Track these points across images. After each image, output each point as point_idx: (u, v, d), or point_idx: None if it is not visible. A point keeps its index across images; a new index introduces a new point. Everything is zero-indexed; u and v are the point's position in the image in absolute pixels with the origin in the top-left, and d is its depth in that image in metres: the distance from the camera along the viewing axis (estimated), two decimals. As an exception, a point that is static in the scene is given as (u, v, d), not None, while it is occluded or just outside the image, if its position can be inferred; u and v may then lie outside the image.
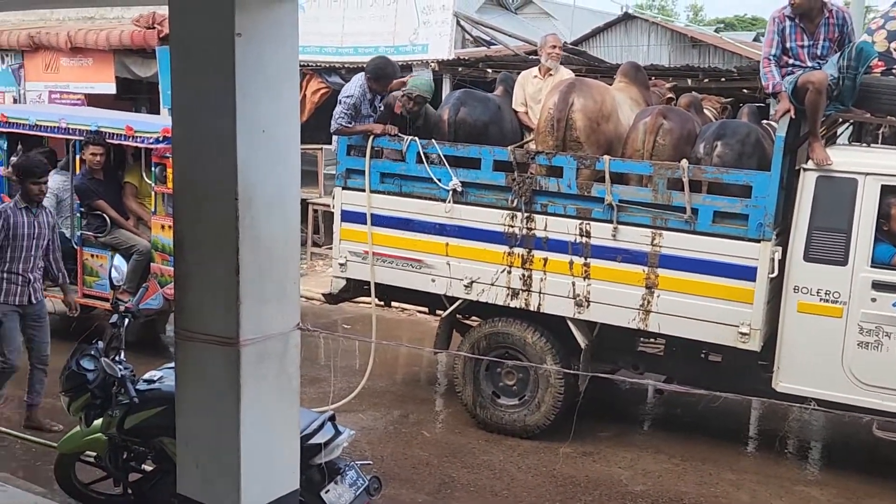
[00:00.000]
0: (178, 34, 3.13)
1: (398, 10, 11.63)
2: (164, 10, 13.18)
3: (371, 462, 5.11)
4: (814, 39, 5.63)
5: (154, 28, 12.47)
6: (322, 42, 12.35)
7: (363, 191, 6.73)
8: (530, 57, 11.77)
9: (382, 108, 6.86)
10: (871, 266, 5.35)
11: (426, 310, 7.65)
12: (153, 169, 7.57)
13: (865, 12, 7.88)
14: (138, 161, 7.98)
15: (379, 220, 6.67)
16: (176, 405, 3.22)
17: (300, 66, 11.48)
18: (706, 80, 9.58)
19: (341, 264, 6.90)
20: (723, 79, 9.64)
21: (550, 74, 7.04)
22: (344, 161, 6.86)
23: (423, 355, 8.46)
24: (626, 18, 15.95)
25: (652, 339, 6.71)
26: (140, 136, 7.52)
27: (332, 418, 4.13)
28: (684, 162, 5.67)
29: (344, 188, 6.85)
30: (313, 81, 12.38)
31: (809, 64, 5.61)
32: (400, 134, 6.56)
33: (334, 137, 7.02)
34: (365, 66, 7.03)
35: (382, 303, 7.36)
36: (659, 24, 16.07)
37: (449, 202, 6.37)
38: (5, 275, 5.82)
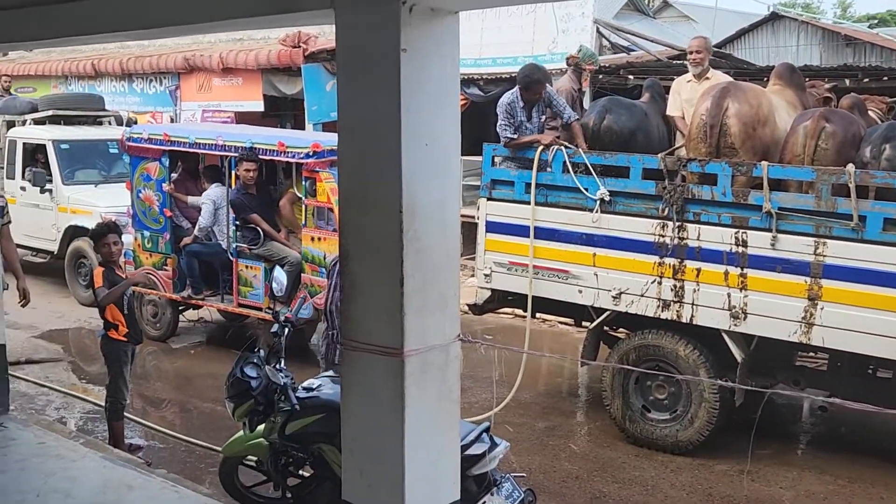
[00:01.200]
0: (344, 50, 3.21)
1: (536, 19, 11.60)
2: (308, 30, 13.70)
3: (525, 475, 5.07)
4: None
5: (299, 47, 12.99)
6: (461, 54, 12.45)
7: (509, 201, 6.74)
8: (673, 62, 11.49)
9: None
10: None
11: (570, 321, 7.56)
12: (304, 183, 7.83)
13: None
14: (290, 178, 8.29)
15: (524, 231, 6.64)
16: (342, 414, 3.29)
17: None
18: (866, 80, 9.05)
19: (486, 275, 6.91)
20: (885, 77, 9.08)
21: (707, 78, 6.83)
22: (489, 172, 6.88)
23: (564, 367, 8.35)
24: (773, 18, 15.28)
25: (812, 353, 6.38)
26: (291, 152, 7.81)
27: (487, 430, 4.12)
28: (850, 166, 5.36)
29: (489, 199, 6.86)
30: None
31: None
32: (568, 145, 6.48)
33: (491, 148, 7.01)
34: (506, 78, 7.06)
35: (525, 314, 7.31)
36: (809, 23, 15.32)
37: (596, 212, 6.27)
38: None
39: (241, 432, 4.70)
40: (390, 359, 3.17)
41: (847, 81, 9.06)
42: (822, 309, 5.48)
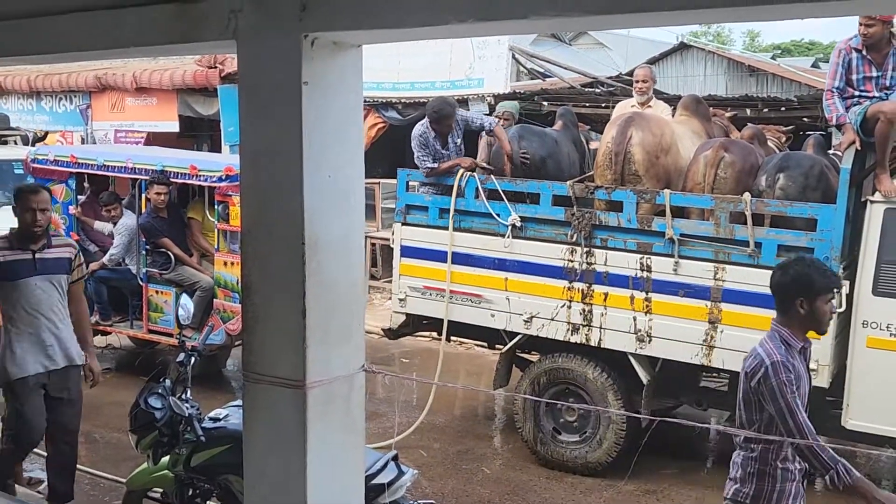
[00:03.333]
0: (246, 81, 3.19)
1: (453, 44, 11.73)
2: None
3: (435, 501, 5.09)
4: (882, 70, 5.53)
5: (216, 67, 12.83)
6: (379, 78, 12.53)
7: (423, 226, 6.80)
8: (586, 89, 11.78)
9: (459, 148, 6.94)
10: (945, 300, 5.20)
11: (485, 344, 7.64)
12: (216, 207, 7.73)
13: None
14: (202, 198, 8.17)
15: (438, 256, 6.70)
16: (244, 446, 3.25)
17: None
18: (766, 110, 9.45)
19: (401, 299, 6.94)
20: (783, 108, 9.50)
21: (650, 107, 7.08)
22: (403, 197, 6.93)
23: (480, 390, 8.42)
24: (682, 48, 15.85)
25: (715, 375, 6.60)
26: (204, 175, 7.70)
27: (395, 458, 4.13)
28: (747, 195, 5.60)
29: (403, 224, 6.91)
30: (370, 116, 12.55)
31: (876, 94, 5.51)
32: (486, 166, 6.60)
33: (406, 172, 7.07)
34: (424, 102, 7.12)
35: (441, 337, 7.36)
36: (715, 53, 15.93)
37: (508, 237, 6.38)
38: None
39: (146, 464, 4.59)
40: (293, 391, 3.14)
41: (748, 111, 9.44)
42: (721, 332, 5.69)
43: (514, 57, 12.14)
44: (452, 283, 6.63)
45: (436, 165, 6.73)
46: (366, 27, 3.06)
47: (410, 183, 6.95)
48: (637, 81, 7.51)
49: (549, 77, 13.29)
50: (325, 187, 3.14)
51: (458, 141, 6.99)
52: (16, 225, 5.02)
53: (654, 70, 7.92)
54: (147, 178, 7.91)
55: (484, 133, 7.03)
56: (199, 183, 7.84)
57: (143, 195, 8.05)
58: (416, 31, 3.13)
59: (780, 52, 32.19)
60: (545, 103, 10.98)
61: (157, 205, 7.85)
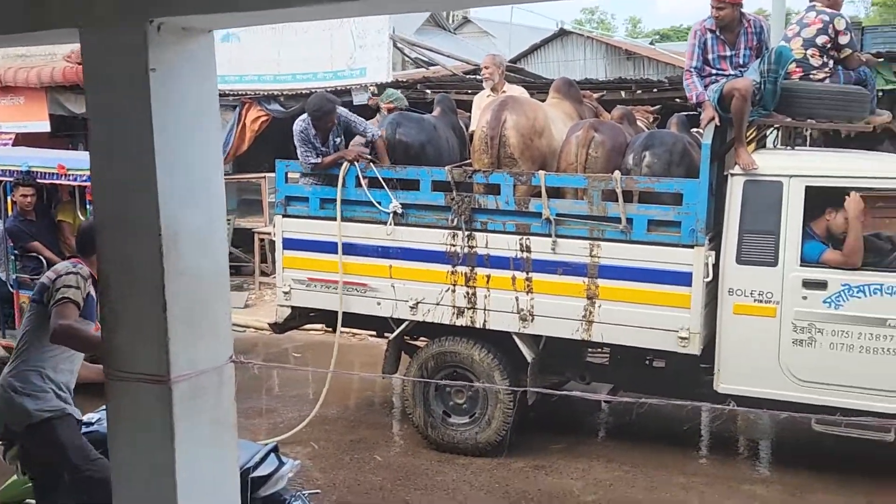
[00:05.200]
0: (91, 70, 3.10)
1: (333, 35, 11.65)
2: (96, 46, 13.06)
3: (320, 492, 5.08)
4: (735, 49, 5.80)
5: (87, 63, 12.32)
6: (260, 70, 12.32)
7: (305, 217, 6.74)
8: (468, 76, 11.90)
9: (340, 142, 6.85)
10: (801, 265, 5.50)
11: (374, 333, 7.64)
12: (88, 206, 7.45)
13: (787, 21, 8.13)
14: (73, 199, 7.87)
15: (321, 247, 6.66)
16: (109, 446, 3.17)
17: (239, 95, 11.37)
18: (639, 92, 9.77)
19: (285, 293, 6.86)
20: (655, 89, 9.84)
21: (504, 92, 7.16)
22: (283, 188, 6.84)
23: (376, 380, 8.42)
24: (562, 34, 16.19)
25: (599, 349, 6.79)
26: (73, 174, 7.41)
27: (275, 450, 4.09)
28: (617, 173, 5.78)
29: (284, 216, 6.83)
30: (253, 110, 12.33)
31: (731, 72, 5.78)
32: (371, 157, 6.55)
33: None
34: (307, 93, 6.98)
35: (330, 329, 7.33)
36: (594, 39, 16.35)
37: (390, 225, 6.39)
38: None
39: (15, 476, 4.41)
40: (157, 386, 3.08)
41: (623, 93, 9.75)
42: (599, 307, 5.87)
43: (395, 46, 12.14)
44: (338, 273, 6.60)
45: (319, 160, 6.65)
46: (215, 10, 3.01)
47: (290, 174, 6.86)
48: (483, 68, 7.57)
49: (434, 65, 13.37)
50: (181, 177, 3.07)
51: (339, 140, 6.90)
52: None
53: (500, 56, 8.00)
54: (11, 179, 7.56)
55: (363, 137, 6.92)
56: (68, 183, 7.53)
57: (9, 198, 7.68)
58: (268, 14, 3.11)
59: (658, 38, 33.27)
60: (428, 91, 11.05)
61: (24, 207, 7.51)
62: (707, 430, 7.00)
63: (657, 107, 8.29)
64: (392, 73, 11.47)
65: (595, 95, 7.71)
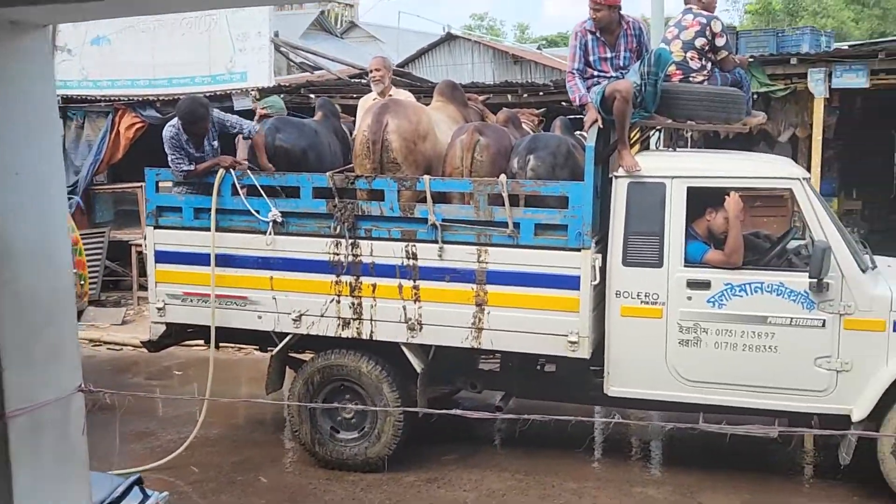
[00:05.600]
0: None
1: (211, 37, 11.23)
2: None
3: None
4: (615, 51, 5.79)
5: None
6: (133, 74, 11.78)
7: (178, 228, 6.37)
8: (353, 80, 11.66)
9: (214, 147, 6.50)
10: (685, 266, 5.52)
11: (257, 347, 7.31)
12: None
13: (666, 24, 8.25)
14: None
15: (197, 259, 6.30)
16: (-65, 494, 2.80)
17: (111, 100, 10.79)
18: (525, 95, 9.77)
19: (159, 308, 6.47)
20: (541, 93, 9.86)
21: (390, 96, 6.95)
22: (154, 198, 6.45)
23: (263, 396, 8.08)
24: (449, 39, 16.16)
25: (491, 356, 6.68)
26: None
27: (139, 482, 3.76)
28: (503, 177, 5.67)
29: (156, 227, 6.43)
30: (127, 116, 11.76)
31: (613, 74, 5.77)
32: (247, 164, 6.23)
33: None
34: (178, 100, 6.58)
35: (209, 345, 6.95)
36: (481, 43, 16.39)
37: (270, 234, 6.10)
38: None
39: None
40: (-9, 423, 2.73)
41: (509, 97, 9.72)
42: (488, 314, 5.74)
43: (278, 50, 11.80)
44: (216, 286, 6.25)
45: (192, 167, 6.30)
46: (48, 2, 2.70)
47: (161, 183, 6.48)
48: (370, 71, 7.38)
49: (318, 70, 13.06)
50: (14, 188, 2.75)
51: (215, 144, 6.55)
52: None
53: (388, 59, 7.83)
54: None
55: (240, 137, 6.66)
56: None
57: None
58: (106, 6, 2.80)
59: (545, 43, 33.83)
60: (312, 96, 10.75)
61: None
62: (599, 434, 6.99)
63: (542, 110, 8.27)
64: (274, 78, 11.12)
65: (481, 98, 7.61)
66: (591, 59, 5.78)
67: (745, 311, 5.43)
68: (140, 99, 11.58)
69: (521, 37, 45.76)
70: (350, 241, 5.94)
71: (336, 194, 5.96)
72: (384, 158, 5.97)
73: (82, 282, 7.66)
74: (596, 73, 5.78)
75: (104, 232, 11.52)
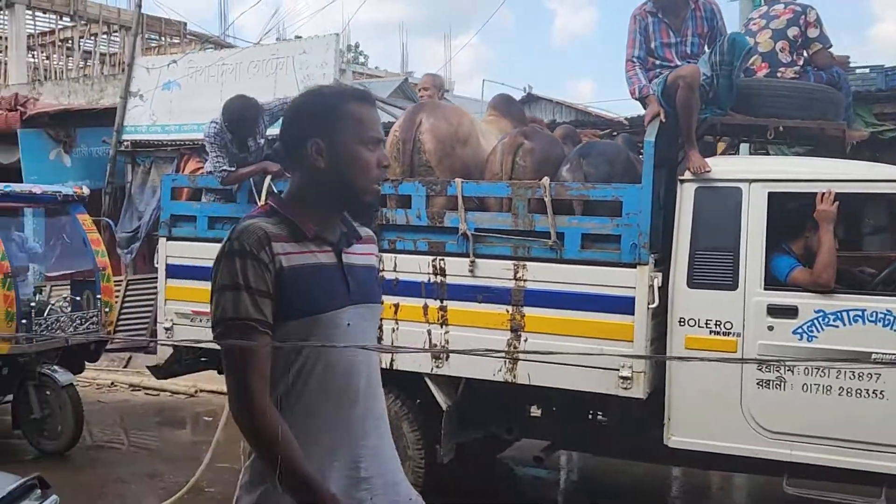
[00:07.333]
0: None
1: (277, 80, 10.94)
2: (26, 91, 12.34)
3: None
4: (681, 36, 4.97)
5: (16, 110, 11.60)
6: (200, 119, 11.55)
7: (191, 240, 5.78)
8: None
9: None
10: (765, 288, 4.51)
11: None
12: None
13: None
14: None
15: (207, 274, 5.65)
16: None
17: (177, 145, 10.45)
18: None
19: (166, 329, 5.83)
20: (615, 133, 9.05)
21: None
22: (168, 206, 5.91)
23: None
24: (531, 99, 15.65)
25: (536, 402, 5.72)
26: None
27: (38, 482, 3.01)
28: (546, 179, 4.85)
29: (169, 238, 5.86)
30: (192, 161, 11.49)
31: (678, 63, 4.93)
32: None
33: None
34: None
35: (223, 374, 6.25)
36: (563, 105, 15.87)
37: (285, 246, 5.41)
38: None
39: None
40: None
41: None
42: (525, 341, 4.84)
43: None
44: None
45: (234, 169, 5.71)
46: None
47: (175, 190, 5.94)
48: (420, 90, 6.95)
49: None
50: None
51: (261, 141, 5.98)
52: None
53: (440, 77, 7.27)
54: None
55: None
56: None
57: None
58: None
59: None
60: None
61: None
62: (653, 491, 5.85)
63: (606, 131, 7.46)
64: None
65: (545, 120, 6.89)
66: (652, 45, 4.97)
67: (843, 345, 4.34)
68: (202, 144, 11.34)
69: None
70: (372, 254, 5.18)
71: (359, 201, 5.24)
72: (415, 161, 5.26)
73: (107, 309, 7.11)
74: (658, 61, 4.95)
75: (161, 277, 11.14)
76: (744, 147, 6.63)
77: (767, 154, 6.63)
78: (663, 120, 4.74)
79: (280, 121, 5.48)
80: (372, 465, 2.06)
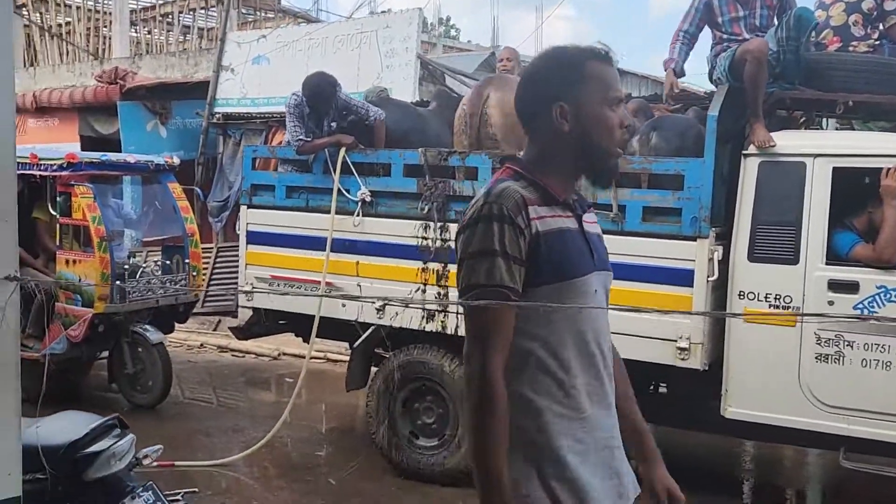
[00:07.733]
0: None
1: (361, 54, 11.19)
2: (125, 65, 12.93)
3: (197, 490, 4.24)
4: (749, 9, 4.95)
5: (116, 83, 12.18)
6: (288, 92, 11.88)
7: (270, 208, 6.08)
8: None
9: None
10: (826, 263, 4.50)
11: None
12: (58, 199, 6.97)
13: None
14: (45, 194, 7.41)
15: (286, 241, 5.97)
16: None
17: (266, 118, 10.81)
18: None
19: (247, 293, 6.17)
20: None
21: None
22: (249, 175, 6.23)
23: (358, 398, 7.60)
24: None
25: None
26: (44, 164, 6.96)
27: (118, 422, 3.32)
28: (611, 152, 4.92)
29: (249, 206, 6.18)
30: (279, 133, 11.89)
31: (747, 36, 4.92)
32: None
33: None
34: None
35: (300, 337, 6.58)
36: (648, 78, 15.70)
37: (358, 215, 5.66)
38: None
39: None
40: None
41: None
42: (585, 310, 4.95)
43: (421, 66, 11.60)
44: (301, 270, 5.88)
45: (310, 139, 5.98)
46: None
47: (256, 160, 6.24)
48: (500, 60, 7.13)
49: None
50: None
51: (333, 125, 6.25)
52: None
53: (517, 51, 7.39)
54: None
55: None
56: (40, 173, 7.06)
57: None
58: None
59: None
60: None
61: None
62: (715, 467, 5.90)
63: (678, 105, 7.40)
64: (417, 92, 10.89)
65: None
66: (719, 20, 4.96)
67: (905, 321, 4.33)
68: (290, 115, 11.70)
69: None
70: (439, 224, 5.38)
71: (427, 172, 5.45)
72: (482, 134, 5.40)
73: (195, 273, 7.54)
74: (725, 35, 4.95)
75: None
76: (831, 123, 6.51)
77: (853, 130, 6.49)
78: (677, 90, 4.78)
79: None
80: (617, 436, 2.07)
